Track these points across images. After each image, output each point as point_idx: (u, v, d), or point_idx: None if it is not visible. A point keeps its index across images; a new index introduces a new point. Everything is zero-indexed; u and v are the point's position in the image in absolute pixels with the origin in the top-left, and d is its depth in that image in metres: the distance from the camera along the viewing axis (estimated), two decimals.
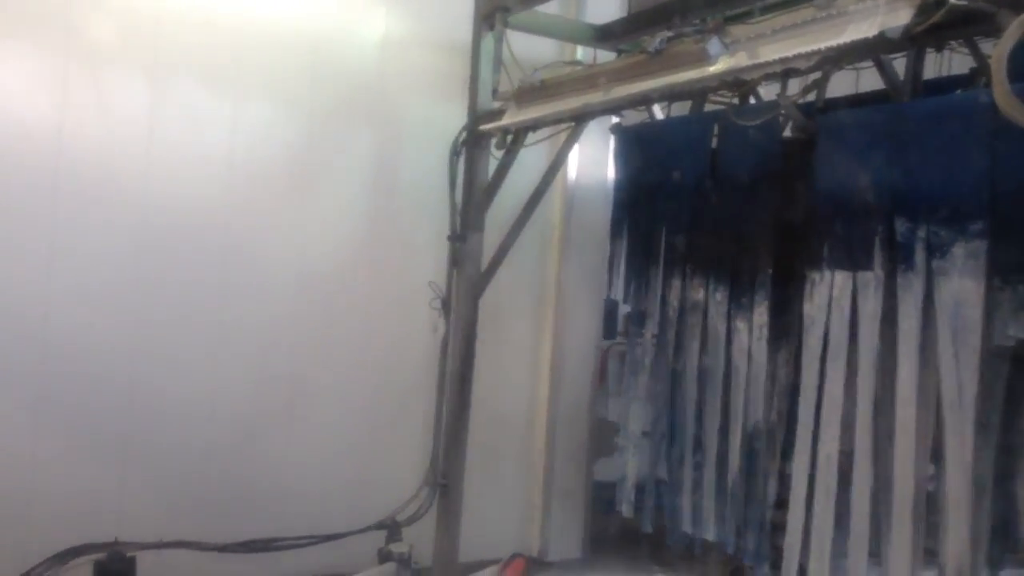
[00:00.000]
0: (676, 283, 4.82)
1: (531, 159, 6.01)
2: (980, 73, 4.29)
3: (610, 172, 6.66)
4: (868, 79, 4.67)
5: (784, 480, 4.19)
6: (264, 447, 5.91)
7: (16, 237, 5.24)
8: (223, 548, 5.41)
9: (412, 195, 6.29)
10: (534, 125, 5.03)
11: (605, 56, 5.75)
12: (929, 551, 3.70)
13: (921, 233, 3.81)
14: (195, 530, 5.43)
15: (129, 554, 5.05)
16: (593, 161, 6.74)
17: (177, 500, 5.61)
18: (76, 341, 5.37)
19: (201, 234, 5.72)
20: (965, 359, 3.60)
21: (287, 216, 5.99)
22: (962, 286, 3.62)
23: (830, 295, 3.97)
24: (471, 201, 5.84)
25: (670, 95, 4.11)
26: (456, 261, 6.00)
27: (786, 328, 4.27)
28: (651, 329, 4.93)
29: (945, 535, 3.54)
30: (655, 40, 3.64)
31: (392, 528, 5.79)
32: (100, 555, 5.01)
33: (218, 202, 5.76)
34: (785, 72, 3.57)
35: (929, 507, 3.70)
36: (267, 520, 5.73)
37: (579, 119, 4.87)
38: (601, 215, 6.73)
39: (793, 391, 4.21)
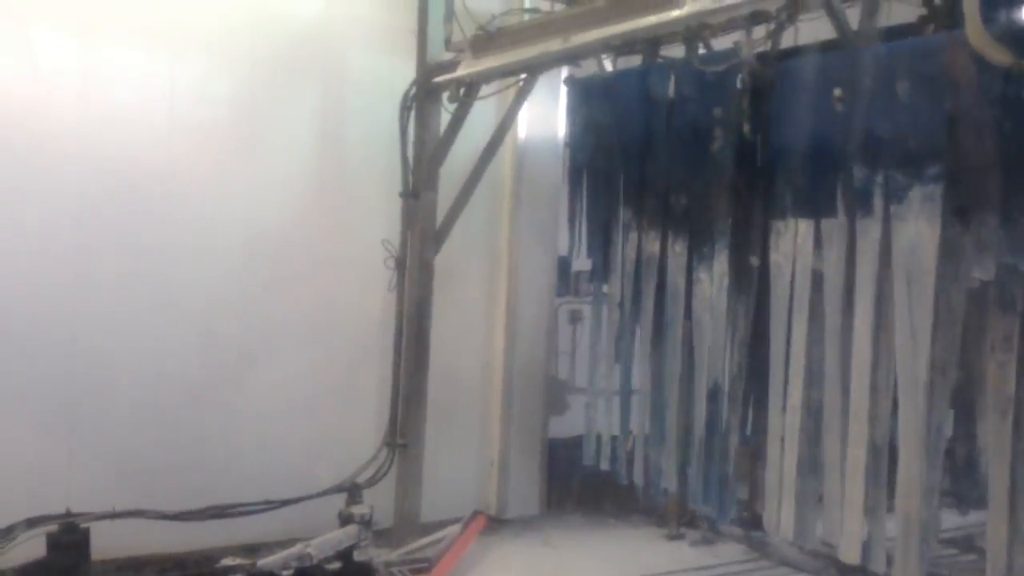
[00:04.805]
0: (638, 237, 4.79)
1: (479, 115, 5.92)
2: (928, 20, 4.35)
3: (560, 128, 6.61)
4: (806, 34, 4.70)
5: (755, 431, 4.24)
6: (214, 411, 5.77)
7: None
8: (179, 516, 5.27)
9: (362, 151, 6.14)
10: (491, 76, 4.93)
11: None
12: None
13: (879, 179, 3.85)
14: (148, 498, 5.26)
15: (82, 525, 4.89)
16: (542, 117, 6.64)
17: (128, 468, 5.45)
18: (15, 309, 5.16)
19: (142, 194, 5.52)
20: (919, 302, 3.67)
21: (232, 174, 5.80)
22: (918, 230, 3.68)
23: (794, 243, 4.01)
24: (423, 157, 5.74)
25: (632, 42, 4.05)
26: (409, 219, 5.91)
27: (746, 278, 4.29)
28: (614, 285, 4.91)
29: (899, 477, 3.61)
30: None
31: (352, 490, 5.71)
32: (52, 527, 4.84)
33: (159, 161, 5.56)
34: (751, 16, 3.54)
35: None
36: (221, 486, 5.59)
37: (537, 68, 4.79)
38: (552, 172, 6.68)
39: (753, 342, 4.24)
